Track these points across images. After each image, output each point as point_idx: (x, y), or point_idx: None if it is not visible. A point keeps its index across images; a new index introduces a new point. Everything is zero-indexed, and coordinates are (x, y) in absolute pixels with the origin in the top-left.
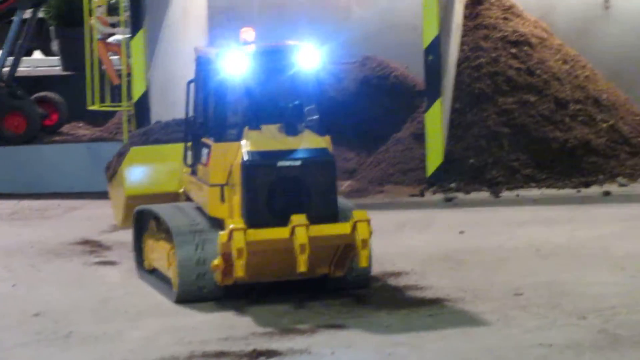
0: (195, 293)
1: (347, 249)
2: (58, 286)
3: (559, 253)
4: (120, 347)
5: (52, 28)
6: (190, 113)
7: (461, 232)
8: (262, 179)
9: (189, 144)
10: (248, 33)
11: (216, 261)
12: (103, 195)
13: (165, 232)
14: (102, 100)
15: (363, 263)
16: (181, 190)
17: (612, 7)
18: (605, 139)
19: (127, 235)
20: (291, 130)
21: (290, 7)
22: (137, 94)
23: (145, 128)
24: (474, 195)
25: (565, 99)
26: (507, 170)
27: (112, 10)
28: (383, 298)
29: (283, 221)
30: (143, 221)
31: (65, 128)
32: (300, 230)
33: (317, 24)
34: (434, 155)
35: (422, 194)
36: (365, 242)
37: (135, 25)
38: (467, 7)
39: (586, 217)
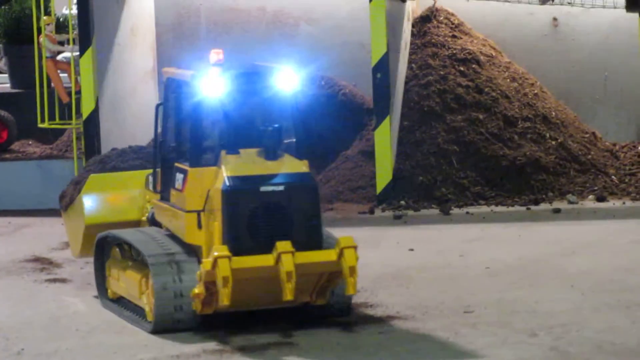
0: (172, 323)
1: (331, 276)
2: (9, 303)
3: (509, 271)
4: None
5: (0, 46)
6: (159, 137)
7: (411, 250)
8: (244, 205)
9: (158, 169)
10: (218, 54)
11: (197, 289)
12: (53, 212)
13: (132, 259)
14: (52, 118)
15: (350, 290)
16: (144, 218)
17: (560, 25)
18: (555, 156)
19: None
20: (271, 154)
21: (238, 25)
22: (86, 111)
23: (102, 155)
24: (423, 212)
25: (514, 116)
26: (457, 187)
27: (61, 28)
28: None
29: (266, 248)
30: (104, 248)
31: (14, 146)
32: (286, 258)
33: (265, 41)
34: (384, 173)
35: (371, 212)
36: (352, 270)
37: (84, 43)
38: (415, 25)
39: (536, 235)
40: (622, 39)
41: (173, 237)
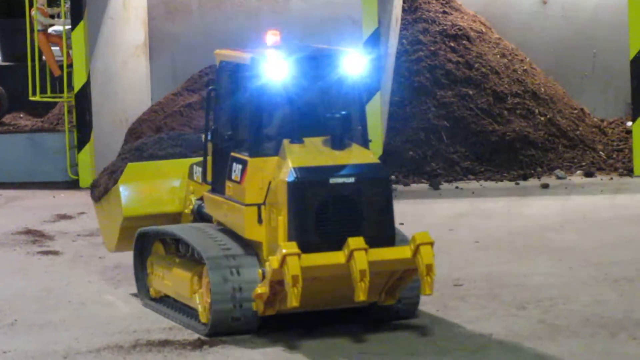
0: (230, 325)
1: (403, 274)
2: (2, 275)
3: (498, 245)
4: (64, 336)
5: None
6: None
7: (401, 224)
8: (312, 198)
9: (209, 158)
10: (275, 36)
11: (260, 289)
12: (45, 185)
13: (179, 256)
14: (43, 91)
15: (427, 291)
16: (187, 211)
17: (549, 2)
18: (543, 132)
19: (70, 225)
20: (338, 143)
21: (231, 2)
22: (78, 85)
23: (138, 143)
24: (413, 187)
25: (503, 92)
26: (446, 162)
27: (53, 1)
28: None
29: (336, 244)
30: (145, 244)
31: (6, 118)
32: (359, 255)
33: (256, 16)
34: (374, 148)
35: None
36: (430, 268)
37: (76, 16)
38: (405, 0)
39: (524, 209)
40: (610, 15)
41: (227, 232)
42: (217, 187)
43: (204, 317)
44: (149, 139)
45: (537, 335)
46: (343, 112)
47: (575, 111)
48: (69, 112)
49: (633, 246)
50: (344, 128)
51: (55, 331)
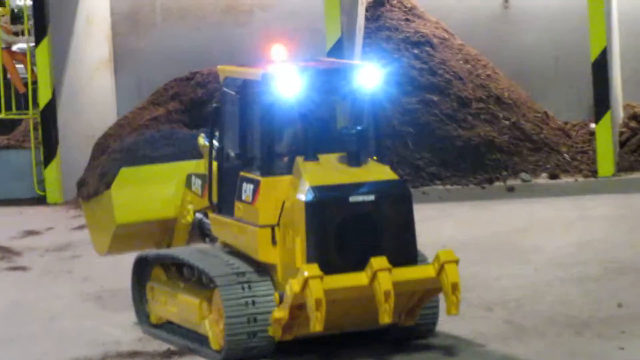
0: (245, 352)
1: (424, 294)
2: None
3: (465, 248)
4: (34, 349)
5: None
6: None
7: None
8: (331, 218)
9: (214, 177)
10: (280, 50)
11: (277, 314)
12: (10, 202)
13: (184, 281)
14: (9, 108)
15: (453, 310)
16: (184, 220)
17: (511, 7)
18: (508, 136)
19: (38, 241)
20: (355, 160)
21: (193, 13)
22: (43, 101)
23: (129, 143)
24: None
25: (467, 97)
26: (412, 168)
27: (16, 19)
28: None
29: (357, 265)
30: (143, 269)
31: None
32: (383, 276)
33: (219, 28)
34: None
35: None
36: (455, 286)
37: (40, 33)
38: (368, 9)
39: (490, 213)
40: (572, 19)
41: (235, 254)
42: (224, 207)
43: (215, 344)
44: (140, 138)
45: (504, 335)
46: (359, 127)
47: (539, 115)
48: (35, 128)
49: (597, 246)
50: (360, 144)
51: (25, 345)
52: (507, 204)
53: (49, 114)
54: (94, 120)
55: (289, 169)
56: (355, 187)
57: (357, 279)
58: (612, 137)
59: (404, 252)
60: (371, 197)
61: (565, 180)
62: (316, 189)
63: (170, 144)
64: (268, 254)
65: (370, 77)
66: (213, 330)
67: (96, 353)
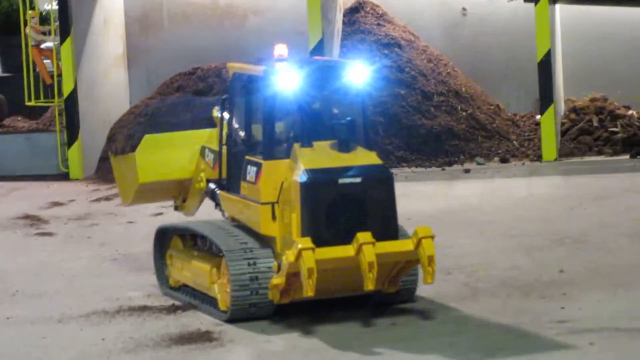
0: (248, 311)
1: (405, 265)
2: (5, 253)
3: (428, 221)
4: (59, 304)
5: None
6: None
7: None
8: (322, 197)
9: (224, 159)
10: (282, 49)
11: (275, 280)
12: (40, 177)
13: (199, 250)
14: (37, 97)
15: (428, 279)
16: (197, 185)
17: (468, 14)
18: (465, 125)
19: (62, 211)
20: (345, 146)
21: (195, 16)
22: (66, 91)
23: (152, 107)
24: None
25: (430, 91)
26: (383, 152)
27: (44, 20)
28: None
29: (344, 239)
30: (163, 238)
31: (6, 121)
32: (367, 248)
33: (219, 30)
34: None
35: None
36: (431, 259)
37: (64, 33)
38: (345, 15)
39: (450, 191)
40: (520, 25)
41: (241, 227)
42: (232, 186)
43: (223, 305)
44: (162, 104)
45: (461, 296)
46: (348, 118)
47: (492, 107)
48: (60, 114)
49: (542, 220)
50: (349, 132)
51: (51, 300)
52: (464, 183)
53: (72, 102)
54: (110, 108)
55: (287, 154)
56: (343, 171)
57: (344, 251)
58: (554, 127)
59: (386, 228)
60: (358, 180)
61: (514, 163)
62: (310, 171)
63: (188, 110)
64: (268, 228)
65: (360, 74)
66: (221, 293)
67: (111, 307)
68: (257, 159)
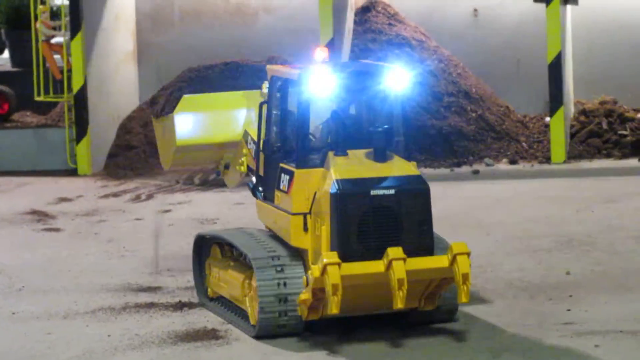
0: (276, 329)
1: (441, 282)
2: (11, 248)
3: (436, 221)
4: (65, 300)
5: (2, 31)
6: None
7: None
8: (354, 209)
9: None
10: (323, 52)
11: (303, 296)
12: (48, 173)
13: (233, 259)
14: (47, 92)
15: (463, 299)
16: (238, 168)
17: (479, 15)
18: (474, 126)
19: (70, 207)
20: (380, 156)
21: (206, 14)
22: (76, 87)
23: (197, 71)
24: None
25: (440, 92)
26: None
27: (55, 15)
28: None
29: (376, 254)
30: (203, 247)
31: (15, 116)
32: (397, 264)
33: (230, 28)
34: None
35: None
36: (465, 277)
37: (74, 28)
38: (357, 14)
39: (458, 192)
40: (532, 27)
41: (276, 238)
42: (268, 194)
43: (253, 319)
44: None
45: (471, 299)
46: (385, 126)
47: (502, 108)
48: (69, 110)
49: (550, 222)
50: (386, 141)
51: (57, 295)
52: (473, 184)
53: (81, 98)
54: (120, 103)
55: (322, 162)
56: (377, 181)
57: (374, 266)
58: (564, 129)
59: (421, 243)
60: (391, 191)
61: (523, 165)
62: (341, 181)
63: (236, 76)
64: (300, 240)
65: (399, 79)
66: (252, 306)
67: (118, 303)
68: (290, 166)
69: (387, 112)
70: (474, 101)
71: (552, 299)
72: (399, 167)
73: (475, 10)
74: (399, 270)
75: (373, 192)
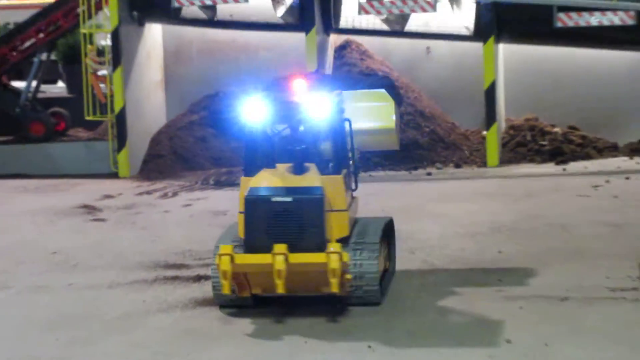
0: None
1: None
2: (67, 234)
3: (397, 212)
4: (109, 274)
5: (59, 65)
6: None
7: None
8: (259, 211)
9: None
10: (299, 83)
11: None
12: (95, 176)
13: None
14: (95, 113)
15: (333, 289)
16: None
17: (432, 52)
18: (428, 138)
19: (112, 202)
20: (298, 169)
21: (218, 51)
22: (117, 108)
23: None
24: None
25: (401, 112)
26: (363, 159)
27: (100, 53)
28: None
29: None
30: None
31: (70, 132)
32: (279, 258)
33: (237, 62)
34: None
35: None
36: (333, 272)
37: (115, 63)
38: (335, 51)
39: (415, 190)
40: (472, 60)
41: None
42: None
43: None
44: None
45: (421, 271)
46: (303, 146)
47: (449, 124)
48: (112, 127)
49: (485, 213)
50: (303, 157)
51: (103, 270)
52: (426, 183)
53: (121, 117)
54: (151, 122)
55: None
56: (282, 190)
57: (263, 258)
58: (497, 140)
59: (312, 241)
60: (289, 199)
61: (465, 168)
62: (254, 189)
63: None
64: (241, 232)
65: (321, 107)
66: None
67: (150, 276)
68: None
69: (316, 133)
70: (427, 119)
71: (487, 271)
72: (306, 180)
73: (428, 48)
74: (279, 262)
75: (274, 199)
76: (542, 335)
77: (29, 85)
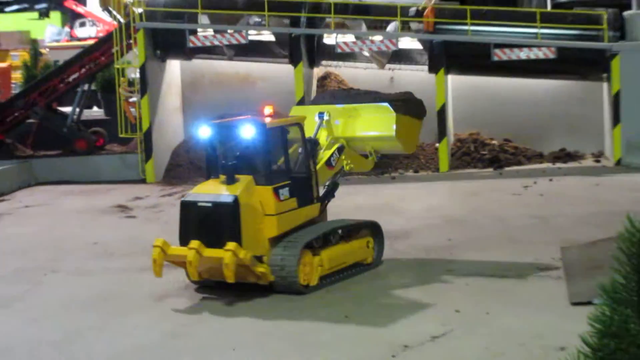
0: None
1: (245, 266)
2: (106, 228)
3: (368, 209)
4: (142, 260)
5: (99, 94)
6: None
7: None
8: (188, 213)
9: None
10: (267, 108)
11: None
12: (128, 182)
13: None
14: (127, 131)
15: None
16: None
17: (394, 81)
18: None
19: (142, 202)
20: (229, 180)
21: (225, 81)
22: (145, 128)
23: (317, 96)
24: None
25: None
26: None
27: (131, 84)
28: None
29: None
30: None
31: (107, 147)
32: (190, 252)
33: (240, 91)
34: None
35: None
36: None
37: (143, 92)
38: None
39: (381, 191)
40: (427, 87)
41: None
42: None
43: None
44: (326, 94)
45: (386, 255)
46: (234, 161)
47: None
48: (141, 142)
49: (439, 208)
50: (234, 170)
51: (135, 258)
52: (391, 185)
53: (148, 135)
54: (171, 139)
55: None
56: (208, 196)
57: (183, 251)
58: (447, 150)
59: (227, 239)
60: (209, 204)
61: (422, 173)
62: (190, 194)
63: (349, 96)
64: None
65: (248, 130)
66: None
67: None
68: None
69: (249, 150)
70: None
71: (439, 255)
72: (230, 188)
73: (392, 77)
74: (191, 255)
75: (200, 203)
76: (485, 306)
77: (74, 110)
